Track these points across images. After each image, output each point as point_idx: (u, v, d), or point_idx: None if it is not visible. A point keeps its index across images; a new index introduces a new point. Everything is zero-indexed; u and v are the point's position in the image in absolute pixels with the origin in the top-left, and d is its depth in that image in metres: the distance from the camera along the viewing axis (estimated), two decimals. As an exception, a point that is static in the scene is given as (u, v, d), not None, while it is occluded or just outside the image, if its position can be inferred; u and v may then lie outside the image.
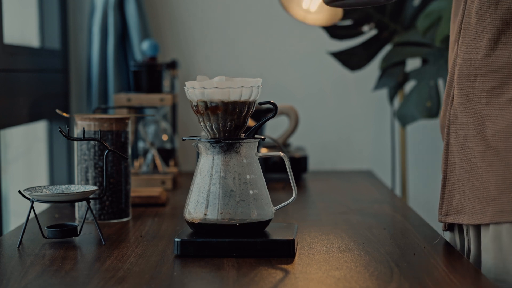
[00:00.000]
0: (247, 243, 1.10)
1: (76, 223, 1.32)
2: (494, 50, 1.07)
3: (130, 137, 1.45)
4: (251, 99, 1.14)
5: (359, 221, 1.38)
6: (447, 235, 1.23)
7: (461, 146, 1.11)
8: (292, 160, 1.96)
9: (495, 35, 1.07)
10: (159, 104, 1.83)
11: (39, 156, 2.25)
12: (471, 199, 1.10)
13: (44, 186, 1.26)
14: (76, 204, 1.42)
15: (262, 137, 1.16)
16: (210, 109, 1.12)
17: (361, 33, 2.26)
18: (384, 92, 2.37)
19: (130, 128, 1.44)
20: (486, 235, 1.09)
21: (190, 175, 1.71)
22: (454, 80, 1.13)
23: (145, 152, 1.93)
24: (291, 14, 2.21)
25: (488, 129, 1.07)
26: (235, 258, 1.09)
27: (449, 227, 1.20)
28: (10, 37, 1.87)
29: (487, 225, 1.08)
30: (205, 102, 1.12)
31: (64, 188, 1.27)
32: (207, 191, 1.13)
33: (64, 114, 1.51)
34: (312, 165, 2.29)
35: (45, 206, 1.60)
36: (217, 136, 1.14)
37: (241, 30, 2.38)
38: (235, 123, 1.13)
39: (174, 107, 2.04)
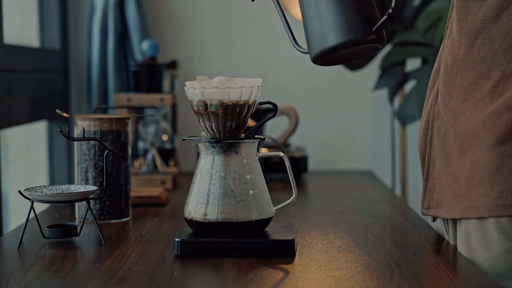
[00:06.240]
0: (247, 243, 1.10)
1: (76, 223, 1.32)
2: (473, 47, 1.08)
3: (130, 137, 1.45)
4: (251, 99, 1.14)
5: (359, 221, 1.38)
6: (434, 225, 1.25)
7: (442, 142, 1.14)
8: (292, 160, 1.95)
9: (475, 32, 1.08)
10: (159, 104, 1.83)
11: (39, 156, 2.25)
12: (447, 194, 1.13)
13: (44, 186, 1.26)
14: (76, 204, 1.42)
15: (262, 137, 1.16)
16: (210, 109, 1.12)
17: (361, 33, 2.26)
18: (384, 92, 2.37)
19: (130, 128, 1.44)
20: (460, 232, 1.12)
21: (190, 175, 1.71)
22: (439, 76, 1.15)
23: (145, 152, 1.93)
24: (291, 14, 2.21)
25: (461, 126, 1.09)
26: (235, 258, 1.09)
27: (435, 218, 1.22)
28: (10, 37, 1.87)
29: (460, 221, 1.11)
30: (205, 102, 1.12)
31: (64, 188, 1.27)
32: (207, 191, 1.13)
33: (64, 114, 1.51)
34: (312, 165, 2.29)
35: (45, 206, 1.60)
36: (217, 136, 1.14)
37: (241, 30, 2.38)
38: (235, 123, 1.13)
39: (174, 107, 2.04)
